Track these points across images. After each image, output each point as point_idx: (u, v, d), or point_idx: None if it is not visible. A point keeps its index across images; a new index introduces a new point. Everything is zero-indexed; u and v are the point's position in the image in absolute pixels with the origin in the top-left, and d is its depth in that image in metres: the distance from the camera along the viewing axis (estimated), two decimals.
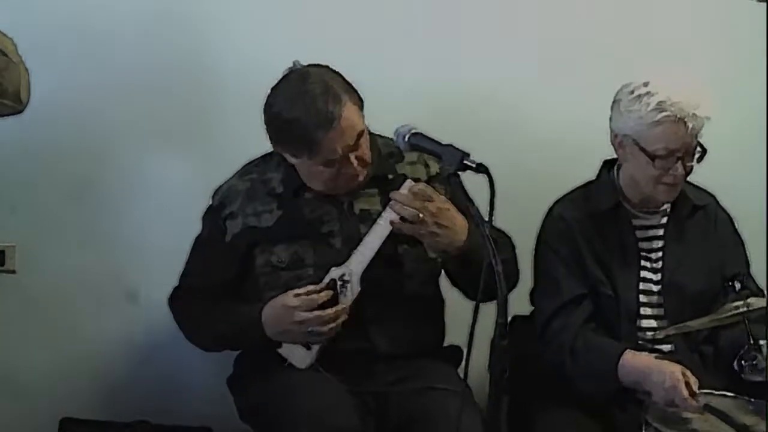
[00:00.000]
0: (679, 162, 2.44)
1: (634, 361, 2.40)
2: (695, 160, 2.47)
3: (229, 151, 2.89)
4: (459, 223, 2.36)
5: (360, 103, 2.41)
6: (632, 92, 2.45)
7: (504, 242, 2.48)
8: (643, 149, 2.44)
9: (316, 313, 2.36)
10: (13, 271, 2.97)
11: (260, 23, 2.97)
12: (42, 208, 2.97)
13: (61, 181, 2.97)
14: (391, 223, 2.35)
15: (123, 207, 3.02)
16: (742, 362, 2.31)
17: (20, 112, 2.42)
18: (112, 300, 3.02)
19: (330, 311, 2.36)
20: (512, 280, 2.42)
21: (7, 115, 2.42)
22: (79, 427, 2.87)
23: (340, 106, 2.33)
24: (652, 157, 2.43)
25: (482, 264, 1.92)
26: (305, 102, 2.33)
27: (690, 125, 2.40)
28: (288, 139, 2.40)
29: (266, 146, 2.49)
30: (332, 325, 2.37)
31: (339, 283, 2.39)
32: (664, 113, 2.39)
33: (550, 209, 2.62)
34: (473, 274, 2.00)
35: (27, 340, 2.96)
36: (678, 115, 2.39)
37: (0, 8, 2.70)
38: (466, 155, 2.06)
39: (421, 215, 2.32)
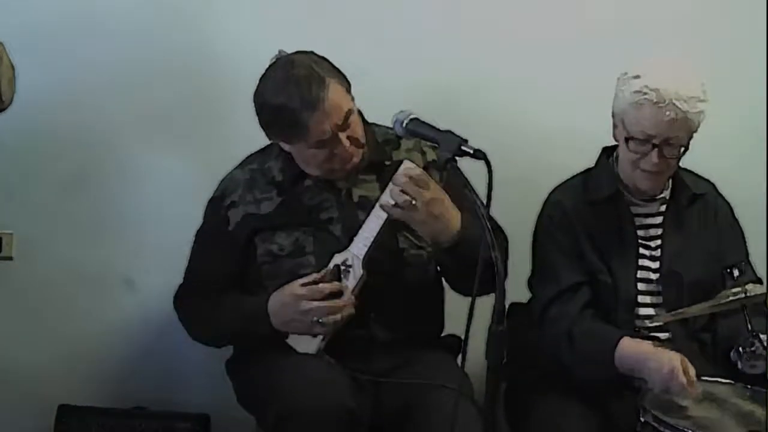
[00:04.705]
0: (655, 150, 2.42)
1: (631, 347, 2.39)
2: (677, 155, 2.45)
3: (226, 141, 2.91)
4: (451, 214, 2.35)
5: (347, 84, 2.42)
6: (626, 74, 2.46)
7: (498, 243, 2.45)
8: (625, 130, 2.45)
9: (323, 303, 2.35)
10: (11, 258, 2.97)
11: (260, 19, 2.96)
12: (40, 197, 2.97)
13: (60, 170, 2.97)
14: (382, 207, 2.35)
15: (121, 197, 3.01)
16: (740, 350, 2.31)
17: (2, 110, 2.41)
18: (109, 288, 3.01)
19: (337, 302, 2.35)
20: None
21: None
22: (76, 413, 2.87)
23: (324, 88, 2.34)
24: (627, 138, 2.43)
25: (474, 259, 1.92)
26: (289, 87, 2.35)
27: (669, 114, 2.37)
28: (278, 126, 2.41)
29: (266, 140, 2.49)
30: (337, 317, 2.35)
31: (342, 268, 2.38)
32: (643, 96, 2.39)
33: (549, 196, 2.61)
34: (464, 268, 1.98)
35: (24, 327, 2.96)
36: (655, 101, 2.38)
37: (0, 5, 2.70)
38: (464, 141, 2.06)
39: (413, 201, 2.31)
